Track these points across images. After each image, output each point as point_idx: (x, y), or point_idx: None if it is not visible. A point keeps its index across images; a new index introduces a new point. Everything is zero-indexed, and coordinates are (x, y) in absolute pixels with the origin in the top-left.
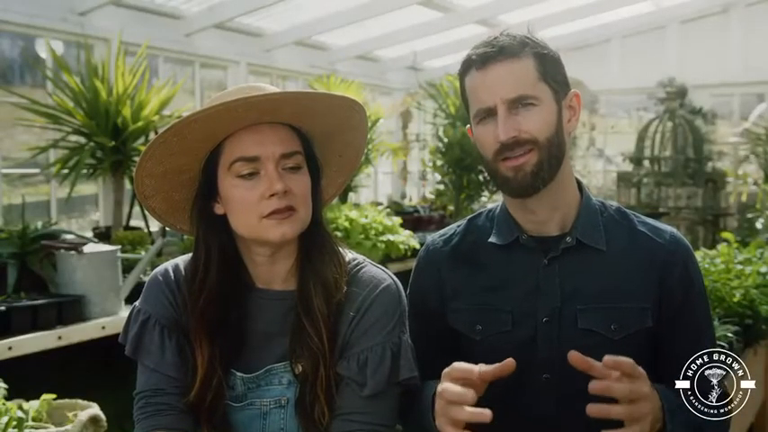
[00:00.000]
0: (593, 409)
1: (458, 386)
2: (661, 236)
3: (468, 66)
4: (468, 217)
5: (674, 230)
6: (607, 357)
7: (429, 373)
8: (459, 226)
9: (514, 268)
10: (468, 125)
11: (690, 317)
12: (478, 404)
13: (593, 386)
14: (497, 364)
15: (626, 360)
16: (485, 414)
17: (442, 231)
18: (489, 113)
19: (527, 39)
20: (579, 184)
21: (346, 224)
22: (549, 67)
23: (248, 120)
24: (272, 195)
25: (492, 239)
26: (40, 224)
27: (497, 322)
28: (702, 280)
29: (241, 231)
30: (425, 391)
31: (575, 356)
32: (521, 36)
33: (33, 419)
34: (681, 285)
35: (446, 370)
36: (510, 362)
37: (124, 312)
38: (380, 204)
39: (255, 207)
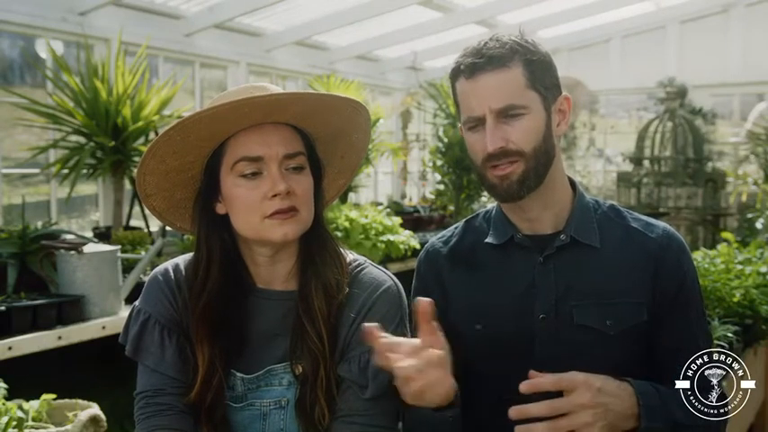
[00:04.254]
0: (512, 412)
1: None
2: (653, 231)
3: (457, 73)
4: (465, 219)
5: (667, 226)
6: (522, 384)
7: None
8: (456, 228)
9: (511, 267)
10: (460, 124)
11: (684, 310)
12: (477, 403)
13: (512, 411)
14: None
15: (546, 380)
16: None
17: (440, 234)
18: (478, 122)
19: (517, 45)
20: (572, 182)
21: (346, 224)
22: (539, 73)
23: (253, 120)
24: (275, 196)
25: (488, 239)
26: (40, 224)
27: (496, 321)
28: (696, 274)
29: (243, 231)
30: None
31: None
32: (511, 42)
33: (33, 419)
34: (674, 279)
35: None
36: (425, 302)
37: (124, 312)
38: (380, 204)
39: (258, 207)
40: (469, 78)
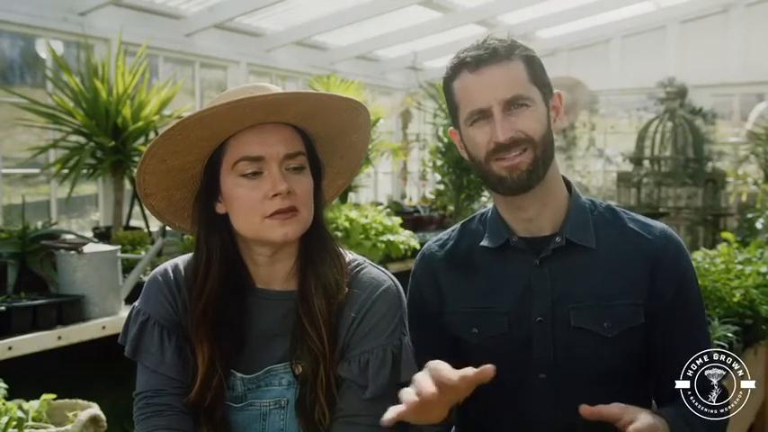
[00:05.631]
0: (586, 411)
1: (429, 382)
2: (651, 232)
3: (458, 68)
4: (461, 221)
5: (665, 226)
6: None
7: None
8: (453, 231)
9: (507, 270)
10: (451, 128)
11: (682, 311)
12: (476, 405)
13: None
14: (476, 371)
15: (610, 411)
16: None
17: (436, 237)
18: (483, 115)
19: (515, 43)
20: (568, 183)
21: (346, 224)
22: (537, 70)
23: (254, 119)
24: (276, 195)
25: (484, 243)
26: (40, 224)
27: (493, 324)
28: (695, 275)
29: (243, 231)
30: None
31: (585, 410)
32: (509, 40)
33: (33, 419)
34: (671, 280)
35: (434, 366)
36: (488, 368)
37: (124, 312)
38: (380, 204)
39: (258, 207)
40: (474, 71)
